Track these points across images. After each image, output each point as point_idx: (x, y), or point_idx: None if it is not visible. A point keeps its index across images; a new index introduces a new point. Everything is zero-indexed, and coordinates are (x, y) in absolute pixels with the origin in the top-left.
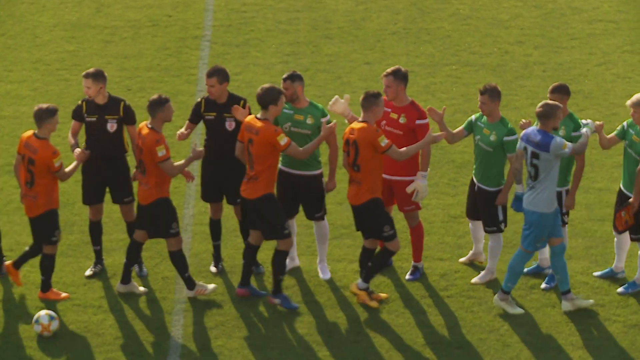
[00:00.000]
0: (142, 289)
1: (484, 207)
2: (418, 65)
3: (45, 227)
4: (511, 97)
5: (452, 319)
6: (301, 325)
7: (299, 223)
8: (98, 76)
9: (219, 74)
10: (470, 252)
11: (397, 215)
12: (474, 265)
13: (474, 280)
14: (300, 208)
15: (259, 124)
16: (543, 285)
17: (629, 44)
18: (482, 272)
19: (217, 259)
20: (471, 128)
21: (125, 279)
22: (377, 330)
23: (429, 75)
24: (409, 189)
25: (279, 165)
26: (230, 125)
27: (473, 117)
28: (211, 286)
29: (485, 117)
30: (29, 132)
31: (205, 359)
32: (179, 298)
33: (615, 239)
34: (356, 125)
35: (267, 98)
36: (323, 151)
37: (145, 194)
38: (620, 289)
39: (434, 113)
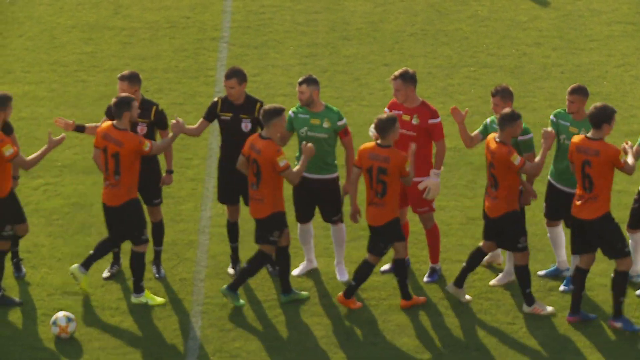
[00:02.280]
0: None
1: None
2: (436, 66)
3: None
4: (529, 99)
5: (469, 321)
6: (319, 327)
7: (316, 225)
8: (133, 79)
9: (238, 75)
10: (489, 254)
11: (413, 218)
12: (492, 268)
13: (492, 282)
14: (317, 210)
15: (595, 145)
16: (561, 288)
17: None
18: (501, 274)
19: (235, 260)
20: (487, 131)
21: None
22: (395, 332)
23: (446, 76)
24: (420, 186)
25: None
26: (246, 126)
27: (488, 120)
28: (549, 309)
29: None
30: None
31: None
32: (196, 300)
33: (630, 241)
34: None
35: (602, 116)
36: (339, 154)
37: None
38: (638, 292)
39: (456, 114)
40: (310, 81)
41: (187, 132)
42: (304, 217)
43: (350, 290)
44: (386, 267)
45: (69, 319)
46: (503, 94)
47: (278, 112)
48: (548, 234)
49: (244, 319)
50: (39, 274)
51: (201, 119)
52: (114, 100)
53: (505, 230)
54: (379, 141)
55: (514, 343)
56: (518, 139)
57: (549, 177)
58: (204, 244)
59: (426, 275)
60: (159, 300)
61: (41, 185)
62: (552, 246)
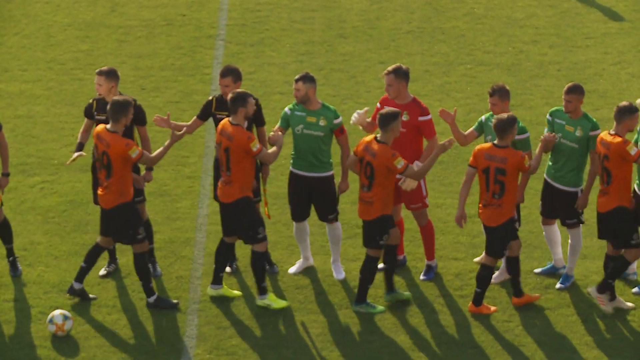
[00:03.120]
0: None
1: None
2: (433, 64)
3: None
4: (526, 97)
5: (466, 318)
6: (315, 324)
7: (312, 222)
8: (111, 74)
9: (233, 74)
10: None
11: (409, 215)
12: None
13: None
14: (313, 209)
15: None
16: (558, 285)
17: None
18: (497, 272)
19: (232, 258)
20: (482, 129)
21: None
22: (391, 330)
23: (443, 74)
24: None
25: (291, 168)
26: None
27: (483, 117)
28: (629, 304)
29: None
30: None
31: (219, 358)
32: (193, 297)
33: None
34: None
35: None
36: (335, 152)
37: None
38: (634, 289)
39: (445, 115)
40: (307, 79)
41: (177, 127)
42: (299, 215)
43: (478, 297)
44: (382, 264)
45: (65, 317)
46: (501, 93)
47: (395, 116)
48: (544, 233)
49: (240, 317)
50: (35, 272)
51: (194, 118)
52: (230, 95)
53: (616, 226)
54: (495, 141)
55: (510, 340)
56: (515, 137)
57: (545, 175)
58: (200, 242)
59: (422, 273)
60: (283, 303)
61: (38, 183)
62: (547, 244)
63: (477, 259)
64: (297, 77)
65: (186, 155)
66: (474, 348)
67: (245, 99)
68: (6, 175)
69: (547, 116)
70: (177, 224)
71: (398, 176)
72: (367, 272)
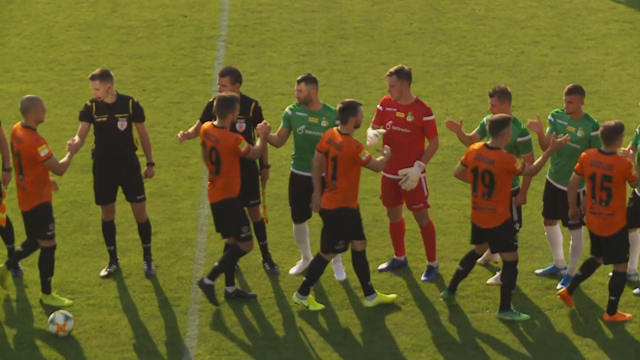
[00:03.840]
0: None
1: None
2: (434, 65)
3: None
4: (527, 98)
5: (467, 319)
6: (316, 325)
7: (312, 223)
8: (105, 76)
9: (231, 74)
10: (486, 252)
11: (410, 216)
12: (489, 266)
13: (489, 281)
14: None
15: None
16: (559, 286)
17: None
18: (498, 273)
19: None
20: (484, 131)
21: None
22: (392, 330)
23: (444, 75)
24: (401, 172)
25: (292, 169)
26: (240, 126)
27: (485, 119)
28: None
29: None
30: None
31: (219, 359)
32: (194, 298)
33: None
34: None
35: None
36: None
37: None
38: (635, 290)
39: (452, 125)
40: (309, 80)
41: (190, 135)
42: (300, 216)
43: (613, 305)
44: (384, 265)
45: (66, 317)
46: (501, 95)
47: (507, 122)
48: (545, 233)
49: (241, 318)
50: (36, 272)
51: (198, 121)
52: (339, 105)
53: None
54: (602, 147)
55: (511, 341)
56: (517, 140)
57: (547, 176)
58: (201, 242)
59: (423, 273)
60: (320, 305)
61: None
62: (549, 245)
63: (477, 260)
64: (299, 78)
65: (187, 156)
66: (474, 349)
67: (355, 109)
68: (8, 170)
69: (549, 117)
70: (178, 224)
71: (400, 172)
72: (507, 278)
